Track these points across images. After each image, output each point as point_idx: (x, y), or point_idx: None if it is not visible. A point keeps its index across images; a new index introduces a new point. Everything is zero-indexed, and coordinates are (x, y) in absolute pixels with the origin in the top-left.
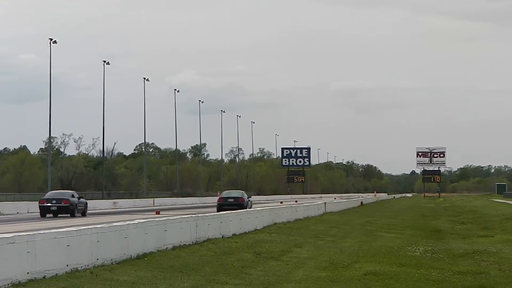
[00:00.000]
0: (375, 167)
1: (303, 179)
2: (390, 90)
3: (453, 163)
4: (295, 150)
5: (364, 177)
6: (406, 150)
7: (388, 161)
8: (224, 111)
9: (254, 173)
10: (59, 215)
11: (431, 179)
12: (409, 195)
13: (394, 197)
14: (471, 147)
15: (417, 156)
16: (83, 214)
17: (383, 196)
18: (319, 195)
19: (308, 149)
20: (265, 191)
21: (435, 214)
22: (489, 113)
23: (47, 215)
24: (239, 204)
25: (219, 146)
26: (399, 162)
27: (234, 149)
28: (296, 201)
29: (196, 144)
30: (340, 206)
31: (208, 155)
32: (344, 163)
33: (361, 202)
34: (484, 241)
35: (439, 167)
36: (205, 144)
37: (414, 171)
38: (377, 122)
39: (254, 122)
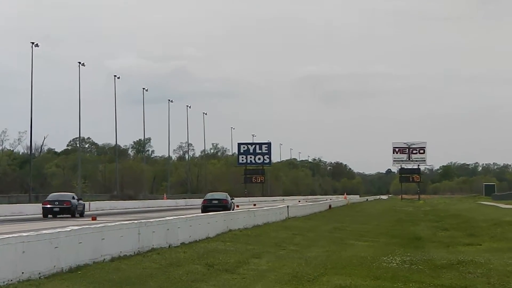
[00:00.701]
0: (345, 165)
1: (262, 179)
2: (361, 76)
3: (434, 160)
4: (253, 146)
5: (333, 177)
6: (380, 146)
7: (360, 158)
8: (171, 101)
9: (206, 172)
10: (60, 216)
11: (410, 179)
12: (384, 197)
13: (367, 199)
14: (455, 142)
15: (393, 153)
16: (81, 215)
17: (354, 198)
18: (281, 197)
19: (269, 144)
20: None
21: (414, 219)
22: (475, 103)
23: (48, 216)
24: (223, 206)
25: (165, 141)
26: (372, 159)
27: (183, 145)
28: (254, 205)
29: (140, 139)
30: (305, 210)
31: (153, 151)
32: (309, 160)
33: (329, 206)
34: (470, 250)
35: (418, 165)
36: (149, 139)
37: (390, 169)
38: (347, 113)
39: (206, 114)
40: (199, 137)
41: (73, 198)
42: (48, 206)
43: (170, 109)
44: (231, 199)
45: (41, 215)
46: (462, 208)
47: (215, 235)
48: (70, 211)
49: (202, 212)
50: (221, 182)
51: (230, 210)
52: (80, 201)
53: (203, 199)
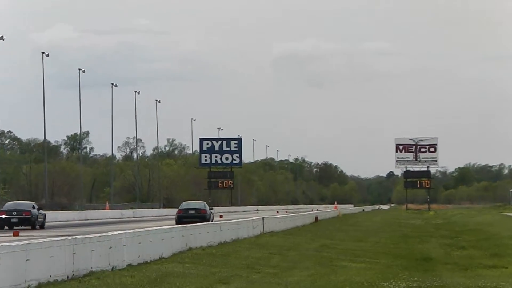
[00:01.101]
0: (336, 166)
1: (231, 184)
2: (355, 55)
3: (448, 161)
4: (219, 142)
5: (320, 182)
6: (380, 142)
7: (354, 158)
8: (115, 85)
9: (160, 176)
10: (17, 228)
11: (417, 184)
12: (385, 207)
13: (363, 210)
14: (474, 138)
15: (396, 151)
16: (42, 226)
17: (347, 208)
18: (255, 207)
19: (239, 140)
20: (176, 201)
21: (422, 235)
22: (499, 89)
23: (5, 227)
24: (201, 216)
25: (108, 136)
26: (370, 159)
27: (131, 141)
28: (221, 216)
29: (75, 133)
30: (285, 224)
31: (92, 149)
32: (291, 161)
33: (316, 218)
34: (494, 274)
35: (428, 167)
36: (87, 134)
37: (393, 172)
38: (338, 102)
39: (159, 102)
40: (150, 131)
41: (33, 207)
42: (4, 216)
43: (114, 96)
44: (210, 209)
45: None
46: (483, 221)
47: (171, 255)
48: (30, 222)
49: (176, 224)
50: (178, 188)
51: (208, 221)
52: (41, 211)
53: (178, 209)
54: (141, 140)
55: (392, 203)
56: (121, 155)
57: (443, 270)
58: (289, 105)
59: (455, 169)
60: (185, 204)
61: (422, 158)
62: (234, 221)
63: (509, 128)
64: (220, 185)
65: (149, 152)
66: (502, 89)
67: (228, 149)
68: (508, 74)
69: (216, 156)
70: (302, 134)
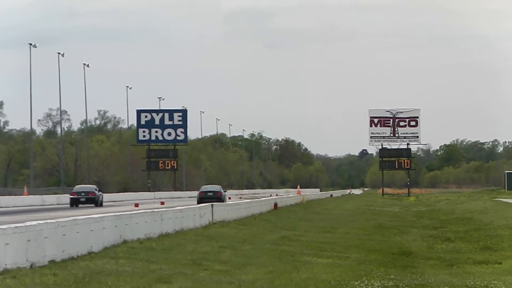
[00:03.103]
0: (299, 143)
1: (174, 165)
2: (324, 10)
3: (432, 137)
4: (160, 115)
5: (281, 162)
6: (352, 115)
7: (321, 134)
8: (34, 45)
9: (89, 155)
10: (84, 205)
11: (395, 165)
12: (357, 191)
13: (331, 195)
14: (462, 109)
15: (370, 125)
16: (101, 205)
17: (312, 193)
18: None
19: (184, 112)
20: (109, 184)
21: (401, 225)
22: (491, 53)
23: (73, 206)
24: (217, 197)
25: (26, 107)
26: (340, 135)
27: (54, 113)
28: (162, 203)
29: None
30: (238, 212)
31: (6, 123)
32: (246, 137)
33: (275, 205)
34: (485, 271)
35: (408, 144)
36: (0, 104)
37: (366, 150)
38: (302, 66)
39: (88, 66)
40: (77, 101)
41: (96, 189)
42: (76, 196)
43: (33, 58)
44: (224, 191)
45: (69, 205)
46: (473, 208)
47: (102, 249)
48: (94, 201)
49: (198, 203)
50: (111, 170)
51: (224, 202)
52: (100, 193)
53: (199, 191)
54: (66, 112)
55: (366, 187)
56: (42, 130)
57: (425, 267)
58: (242, 70)
59: (440, 146)
60: (204, 188)
61: (401, 133)
62: (178, 209)
63: (504, 98)
64: (162, 166)
65: (76, 126)
66: (497, 50)
67: (170, 123)
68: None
69: (156, 131)
70: (258, 105)
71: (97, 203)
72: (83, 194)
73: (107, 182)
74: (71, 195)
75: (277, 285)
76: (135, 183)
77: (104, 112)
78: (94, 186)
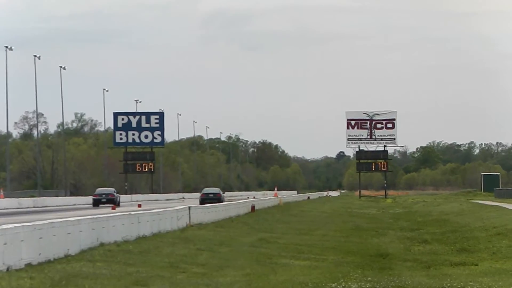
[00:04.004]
0: (276, 146)
1: (151, 168)
2: (301, 12)
3: (409, 139)
4: (137, 117)
5: (258, 164)
6: (329, 117)
7: (298, 136)
8: (10, 48)
9: (66, 158)
10: (104, 206)
11: (372, 167)
12: (334, 193)
13: (308, 197)
14: (439, 111)
15: (347, 127)
16: (118, 204)
17: (290, 195)
18: (180, 194)
19: (161, 115)
20: (86, 187)
21: (378, 227)
22: (471, 52)
23: (100, 206)
24: (217, 199)
25: (2, 109)
26: (317, 137)
27: (30, 115)
28: (139, 206)
29: None
30: (216, 214)
31: None
32: (223, 139)
33: (252, 207)
34: (462, 273)
35: (385, 146)
36: None
37: (343, 153)
38: (280, 68)
39: (65, 68)
40: (54, 103)
41: (115, 192)
42: (97, 198)
43: (9, 61)
44: (223, 193)
45: (91, 205)
46: (449, 210)
47: (79, 252)
48: (113, 201)
49: (200, 204)
50: (88, 173)
51: (222, 202)
52: (118, 194)
53: (201, 193)
54: (42, 115)
55: (343, 189)
56: (18, 132)
57: (402, 268)
58: (220, 72)
59: (417, 148)
60: (205, 190)
61: (378, 135)
62: (155, 211)
63: (480, 100)
64: (139, 169)
65: (52, 129)
66: (472, 52)
67: (147, 125)
68: (476, 34)
69: (133, 134)
70: (236, 108)
71: (115, 203)
72: (104, 195)
73: (84, 185)
74: (93, 196)
75: None
76: (112, 186)
77: (81, 115)
78: (113, 189)
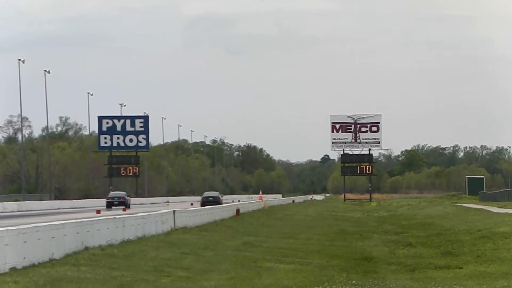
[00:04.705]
0: (261, 149)
1: (136, 171)
2: (286, 15)
3: (394, 142)
4: (122, 121)
5: (243, 168)
6: (314, 121)
7: (282, 139)
8: None
9: (50, 161)
10: (115, 207)
11: (357, 170)
12: (319, 197)
13: (293, 201)
14: (423, 115)
15: (332, 131)
16: (128, 207)
17: (274, 199)
18: (165, 198)
19: (145, 118)
20: (71, 191)
21: (363, 230)
22: (456, 55)
23: (112, 207)
24: (216, 201)
25: None
26: (301, 141)
27: (15, 119)
28: (124, 209)
29: None
30: (200, 218)
31: None
32: (208, 143)
33: (237, 210)
34: (446, 276)
35: (370, 150)
36: None
37: (328, 156)
38: (264, 72)
39: (49, 72)
40: (39, 107)
41: (126, 195)
42: (110, 200)
43: None
44: (221, 196)
45: (105, 207)
46: (434, 213)
47: (64, 256)
48: (125, 204)
49: (201, 206)
50: (73, 177)
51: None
52: (128, 197)
53: (202, 196)
54: (27, 119)
55: (328, 193)
56: (2, 136)
57: (387, 272)
58: (204, 76)
59: (402, 152)
60: (206, 194)
61: (363, 139)
62: (140, 215)
63: (464, 103)
64: (123, 172)
65: (37, 133)
66: (457, 55)
67: (132, 129)
68: (464, 36)
69: (118, 138)
70: (220, 112)
71: (126, 205)
72: (116, 198)
73: (68, 189)
74: (107, 199)
75: None
76: (96, 190)
77: (66, 119)
78: (125, 193)
